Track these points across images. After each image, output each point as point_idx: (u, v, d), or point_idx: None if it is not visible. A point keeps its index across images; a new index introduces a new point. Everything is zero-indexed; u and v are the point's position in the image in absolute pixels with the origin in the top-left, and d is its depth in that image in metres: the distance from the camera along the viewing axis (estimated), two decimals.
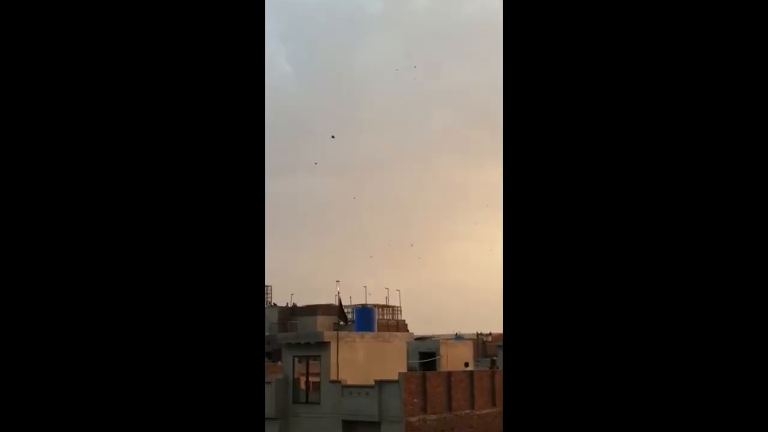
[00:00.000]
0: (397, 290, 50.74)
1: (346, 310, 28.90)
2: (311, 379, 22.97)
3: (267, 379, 23.59)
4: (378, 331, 26.90)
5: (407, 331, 35.78)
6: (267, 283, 41.13)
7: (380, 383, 21.04)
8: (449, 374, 22.38)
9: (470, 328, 40.80)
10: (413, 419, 20.54)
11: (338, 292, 26.43)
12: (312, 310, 34.31)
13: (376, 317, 27.94)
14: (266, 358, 30.66)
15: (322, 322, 27.21)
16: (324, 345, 22.37)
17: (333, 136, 41.19)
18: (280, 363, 25.38)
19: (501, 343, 30.54)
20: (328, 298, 33.04)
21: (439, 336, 35.29)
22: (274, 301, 41.25)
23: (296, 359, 23.27)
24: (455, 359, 26.97)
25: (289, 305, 38.12)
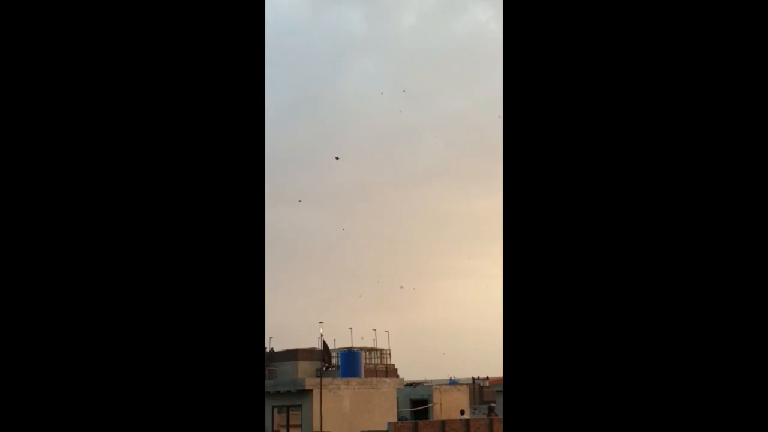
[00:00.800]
0: (386, 332, 50.71)
1: (330, 355, 30.16)
2: (292, 431, 22.79)
3: None
4: (365, 376, 27.57)
5: (397, 376, 36.75)
6: None
7: None
8: (444, 423, 22.49)
9: (465, 373, 42.27)
10: None
11: (321, 334, 27.21)
12: (291, 354, 34.80)
13: (363, 361, 28.96)
14: None
15: (303, 367, 29.20)
16: (306, 393, 22.36)
17: (337, 158, 42.68)
18: None
19: (499, 388, 32.37)
20: (309, 342, 34.93)
21: (432, 381, 35.98)
22: None
23: (275, 409, 23.17)
24: (450, 406, 27.49)
25: (267, 350, 38.27)
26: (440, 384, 33.19)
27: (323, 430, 21.84)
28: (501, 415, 25.53)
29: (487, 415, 27.21)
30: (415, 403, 28.54)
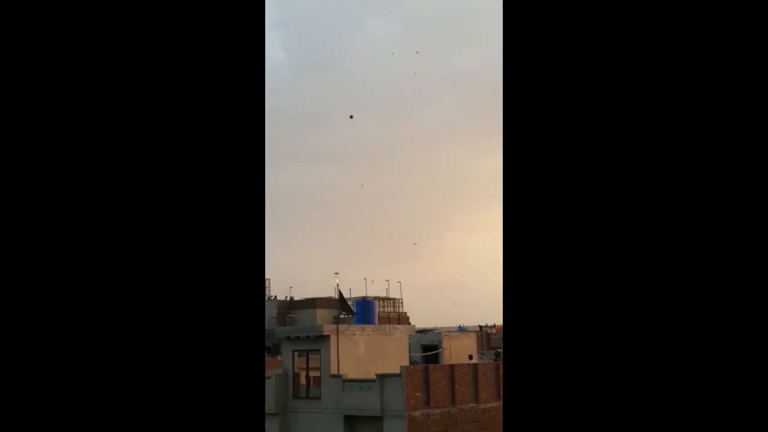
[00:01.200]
0: (398, 282, 50.72)
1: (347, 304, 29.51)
2: (311, 373, 23.38)
3: (266, 374, 24.18)
4: (379, 323, 27.40)
5: (409, 323, 36.18)
6: (265, 276, 41.66)
7: (382, 377, 21.38)
8: (452, 367, 22.83)
9: (473, 320, 42.10)
10: (416, 414, 20.87)
11: (338, 284, 27.04)
12: (310, 303, 34.61)
13: (377, 310, 28.48)
14: (266, 353, 31.04)
15: (321, 315, 28.10)
16: (323, 338, 22.91)
17: (351, 116, 42.09)
18: (279, 357, 25.69)
19: None
20: (327, 291, 33.48)
21: (441, 329, 35.56)
22: (273, 294, 41.55)
23: (296, 353, 23.80)
24: (459, 352, 27.36)
25: (288, 299, 38.42)
26: (449, 331, 32.60)
27: (340, 372, 22.26)
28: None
29: (494, 360, 27.23)
30: (425, 348, 28.43)
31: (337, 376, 22.35)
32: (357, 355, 23.42)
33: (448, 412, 21.76)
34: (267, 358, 29.04)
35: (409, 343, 26.28)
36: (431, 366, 23.29)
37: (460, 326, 37.74)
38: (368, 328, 24.89)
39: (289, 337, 24.07)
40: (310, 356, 23.47)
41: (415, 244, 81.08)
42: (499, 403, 22.83)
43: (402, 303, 41.38)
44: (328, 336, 22.87)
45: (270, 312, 37.61)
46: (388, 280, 43.63)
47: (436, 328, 36.32)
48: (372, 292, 34.72)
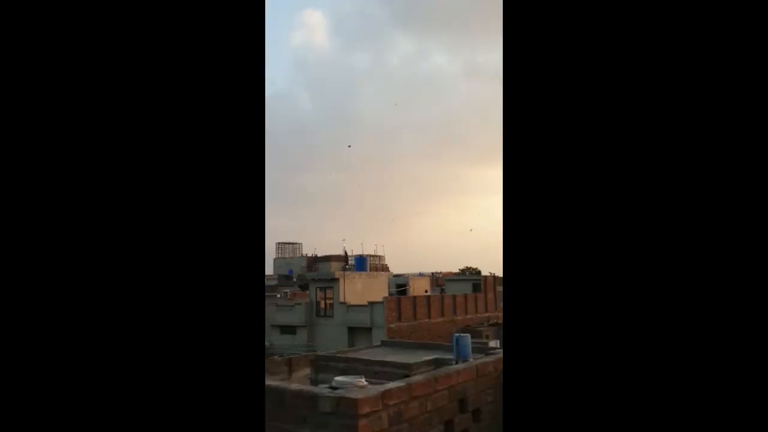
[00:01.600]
0: (383, 245, 60.32)
1: (349, 259, 36.98)
2: (327, 301, 28.59)
3: (299, 302, 30.43)
4: (370, 271, 32.18)
5: (389, 271, 41.12)
6: (297, 241, 55.44)
7: (371, 303, 26.45)
8: (415, 298, 27.72)
9: (429, 268, 49.40)
10: (392, 325, 25.46)
11: (344, 247, 33.53)
12: (327, 258, 40.09)
13: (369, 262, 33.72)
14: (298, 288, 37.75)
15: (334, 266, 34.51)
16: (335, 280, 28.45)
17: (349, 146, 52.43)
18: (307, 292, 30.98)
19: (448, 278, 37.07)
20: (338, 251, 40.47)
21: (408, 274, 41.09)
22: (304, 252, 52.89)
23: (318, 289, 29.22)
24: (419, 288, 33.12)
25: (314, 255, 44.76)
26: (413, 275, 38.27)
27: (346, 300, 27.32)
28: (450, 293, 31.14)
29: (440, 294, 31.68)
30: (398, 286, 33.78)
31: (344, 303, 27.40)
32: (356, 290, 28.23)
33: (411, 324, 26.19)
34: (299, 292, 35.50)
35: (388, 283, 31.19)
36: (402, 297, 27.75)
37: (420, 273, 43.29)
38: (363, 274, 29.97)
39: (314, 279, 30.06)
40: (327, 291, 28.59)
41: (393, 219, 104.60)
42: (442, 319, 27.75)
43: (384, 258, 47.56)
44: (338, 278, 28.17)
45: (301, 263, 47.07)
46: (376, 244, 53.57)
47: (404, 274, 41.27)
48: (367, 251, 39.94)
